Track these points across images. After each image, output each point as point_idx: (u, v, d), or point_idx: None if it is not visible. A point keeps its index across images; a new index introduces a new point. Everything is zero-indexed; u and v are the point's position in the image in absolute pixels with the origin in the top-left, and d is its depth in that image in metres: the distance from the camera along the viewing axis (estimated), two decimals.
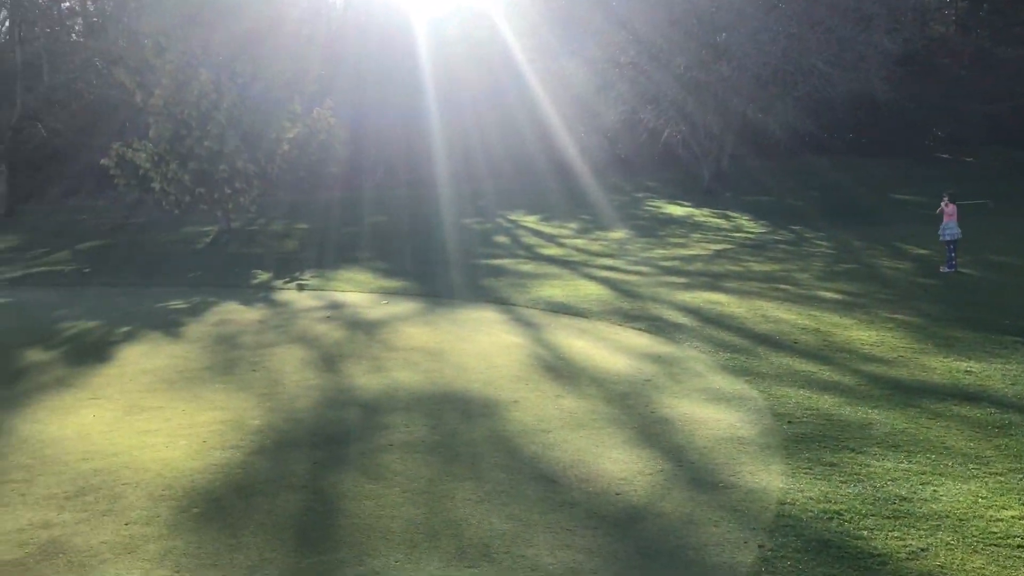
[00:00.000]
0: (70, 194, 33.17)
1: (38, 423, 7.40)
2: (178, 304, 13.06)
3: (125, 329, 11.18)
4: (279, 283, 15.19)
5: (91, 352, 10.04)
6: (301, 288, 14.56)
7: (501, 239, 21.14)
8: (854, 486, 5.95)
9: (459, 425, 7.23)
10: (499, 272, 15.79)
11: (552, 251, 18.72)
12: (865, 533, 5.25)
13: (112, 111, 30.49)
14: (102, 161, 21.85)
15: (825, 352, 9.68)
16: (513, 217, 25.14)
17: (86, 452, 6.65)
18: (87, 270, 17.80)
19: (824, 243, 19.28)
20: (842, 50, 26.55)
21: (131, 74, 21.68)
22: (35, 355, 10.00)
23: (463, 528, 5.30)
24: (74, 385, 8.63)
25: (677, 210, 26.21)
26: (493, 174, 32.45)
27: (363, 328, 11.21)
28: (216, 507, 5.62)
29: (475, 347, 9.98)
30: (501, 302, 12.87)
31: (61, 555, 4.98)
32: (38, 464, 6.42)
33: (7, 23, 31.14)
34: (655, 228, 22.26)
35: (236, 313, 12.31)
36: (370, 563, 4.87)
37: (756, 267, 15.99)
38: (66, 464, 6.41)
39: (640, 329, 10.88)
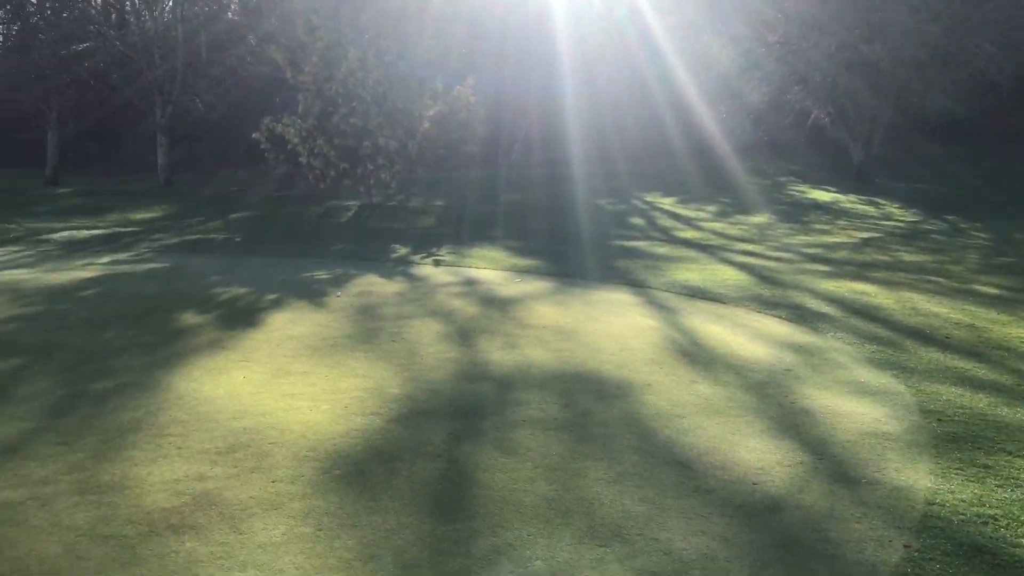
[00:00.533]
0: (223, 166, 34.93)
1: (193, 382, 7.83)
2: (322, 275, 13.55)
3: (273, 296, 11.68)
4: (416, 258, 15.53)
5: (241, 317, 10.54)
6: (437, 264, 14.84)
7: (636, 220, 20.94)
8: (1011, 491, 5.60)
9: (592, 405, 7.21)
10: (633, 254, 15.64)
11: (689, 234, 18.40)
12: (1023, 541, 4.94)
13: (264, 87, 31.88)
14: (253, 135, 22.89)
15: (980, 349, 9.14)
16: (649, 198, 24.84)
17: (236, 411, 7.00)
18: (238, 239, 18.70)
19: (982, 234, 18.19)
20: (1012, 29, 24.83)
21: (283, 52, 22.56)
22: (191, 318, 10.59)
23: (595, 507, 5.29)
24: (226, 347, 9.08)
25: (822, 195, 25.27)
26: (629, 154, 32.14)
27: (496, 305, 11.33)
28: (357, 471, 5.81)
29: (608, 328, 9.93)
30: (635, 284, 12.75)
31: (214, 507, 5.26)
32: (193, 420, 6.80)
33: (171, 1, 32.93)
34: (798, 213, 21.55)
35: (376, 285, 12.66)
36: (503, 535, 4.93)
37: (906, 257, 15.25)
38: (218, 422, 6.76)
39: (780, 317, 10.57)
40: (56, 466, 5.91)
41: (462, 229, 19.48)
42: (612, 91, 32.19)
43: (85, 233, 19.91)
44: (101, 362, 8.55)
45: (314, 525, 5.04)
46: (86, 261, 15.37)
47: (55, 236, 19.33)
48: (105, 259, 15.67)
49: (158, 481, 5.64)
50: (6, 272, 14.10)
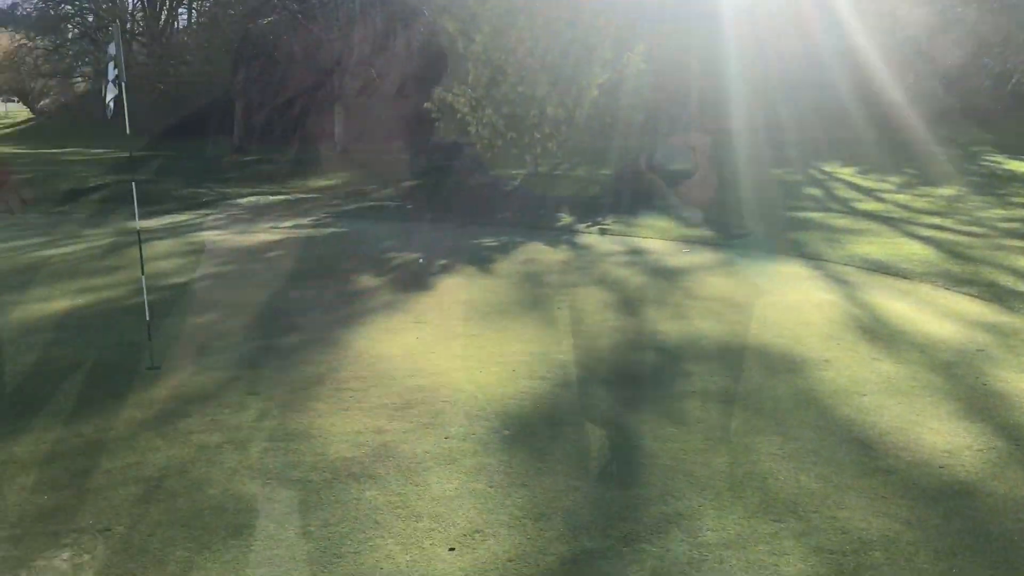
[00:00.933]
0: (396, 136, 35.97)
1: (370, 340, 8.18)
2: (489, 242, 13.78)
3: (442, 262, 12.00)
4: (582, 227, 15.51)
5: (413, 281, 10.90)
6: (603, 232, 14.77)
7: (811, 191, 20.07)
8: None
9: (764, 380, 7.01)
10: (808, 225, 15.01)
11: (870, 206, 17.48)
12: None
13: (434, 57, 32.51)
14: (425, 105, 23.41)
15: None
16: (826, 168, 23.75)
17: (411, 369, 7.25)
18: (409, 206, 19.27)
19: None
20: None
21: (455, 22, 22.89)
22: (367, 280, 11.05)
23: (768, 482, 5.15)
24: (400, 309, 9.42)
25: (1022, 167, 23.37)
26: (802, 123, 30.70)
27: (663, 275, 11.19)
28: (525, 432, 5.90)
29: (781, 301, 9.61)
30: (810, 257, 12.25)
31: (391, 459, 5.48)
32: (371, 377, 7.10)
33: None
34: (993, 185, 20.02)
35: (541, 253, 12.76)
36: (673, 504, 4.88)
37: None
38: (394, 379, 7.03)
39: (971, 295, 9.88)
40: (248, 414, 6.32)
41: (626, 198, 19.27)
42: (784, 55, 30.79)
43: (269, 198, 21.05)
44: (286, 319, 9.07)
45: (486, 481, 5.16)
46: (271, 224, 16.29)
47: (242, 201, 20.56)
48: (288, 223, 16.54)
49: (340, 432, 5.93)
50: (201, 233, 15.17)
